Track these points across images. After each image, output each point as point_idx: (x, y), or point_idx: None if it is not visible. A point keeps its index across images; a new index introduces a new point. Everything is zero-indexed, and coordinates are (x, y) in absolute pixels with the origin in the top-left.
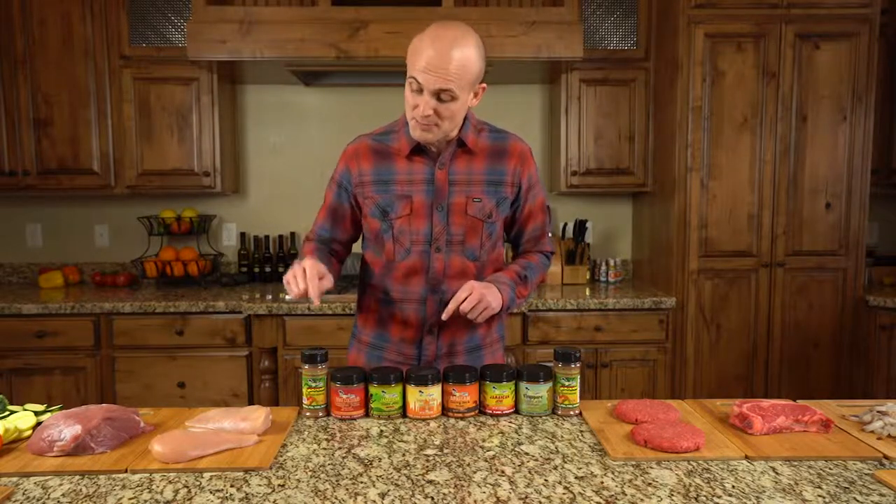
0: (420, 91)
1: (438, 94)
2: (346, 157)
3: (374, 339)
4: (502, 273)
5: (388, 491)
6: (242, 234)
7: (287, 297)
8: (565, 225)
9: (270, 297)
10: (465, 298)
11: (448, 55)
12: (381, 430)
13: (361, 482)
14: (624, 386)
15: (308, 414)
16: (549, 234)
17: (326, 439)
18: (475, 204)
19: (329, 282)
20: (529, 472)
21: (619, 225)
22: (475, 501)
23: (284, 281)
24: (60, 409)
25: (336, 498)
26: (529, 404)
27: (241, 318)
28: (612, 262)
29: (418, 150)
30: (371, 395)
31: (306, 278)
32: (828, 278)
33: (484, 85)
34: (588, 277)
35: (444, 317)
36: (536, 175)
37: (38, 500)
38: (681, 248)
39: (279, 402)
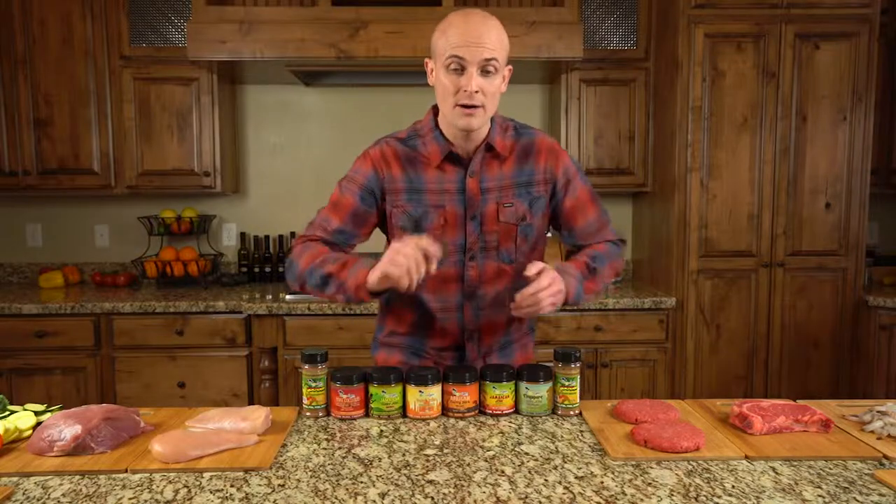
0: (460, 70)
1: (483, 68)
2: (374, 161)
3: (409, 344)
4: (570, 263)
5: (388, 491)
6: (242, 234)
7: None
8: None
9: (270, 297)
10: (547, 286)
11: (484, 26)
12: (381, 430)
13: (361, 482)
14: (624, 386)
15: (308, 414)
16: (611, 225)
17: (326, 439)
18: (507, 209)
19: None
20: (529, 472)
21: (619, 225)
22: (475, 501)
23: (396, 267)
24: (60, 409)
25: (336, 498)
26: (529, 404)
27: (241, 318)
28: None
29: (448, 157)
30: (371, 395)
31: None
32: (828, 278)
33: (510, 67)
34: None
35: (515, 308)
36: (574, 167)
37: (38, 500)
38: (681, 248)
39: (279, 402)
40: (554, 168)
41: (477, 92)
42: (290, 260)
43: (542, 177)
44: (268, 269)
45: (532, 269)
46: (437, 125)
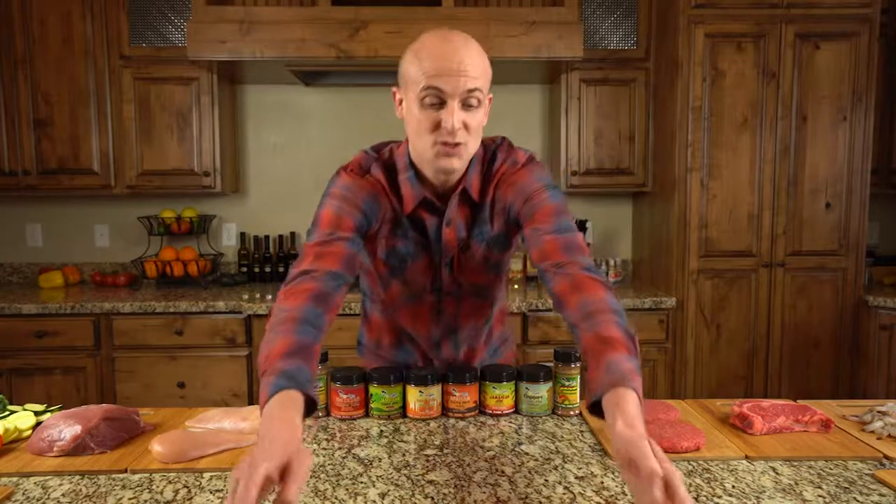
0: (439, 104)
1: (465, 100)
2: (372, 185)
3: (393, 356)
4: (617, 355)
5: (388, 491)
6: (242, 234)
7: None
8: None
9: (270, 297)
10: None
11: (466, 50)
12: (381, 430)
13: (361, 482)
14: None
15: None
16: (586, 251)
17: (326, 439)
18: (468, 253)
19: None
20: (529, 472)
21: (619, 225)
22: (475, 501)
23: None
24: (60, 409)
25: (336, 498)
26: (529, 404)
27: (241, 318)
28: (612, 262)
29: (422, 203)
30: (371, 395)
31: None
32: (828, 278)
33: (491, 95)
34: None
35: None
36: (538, 184)
37: (37, 500)
38: (681, 248)
39: None
40: (505, 195)
41: (459, 129)
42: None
43: (497, 207)
44: (268, 269)
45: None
46: (411, 162)
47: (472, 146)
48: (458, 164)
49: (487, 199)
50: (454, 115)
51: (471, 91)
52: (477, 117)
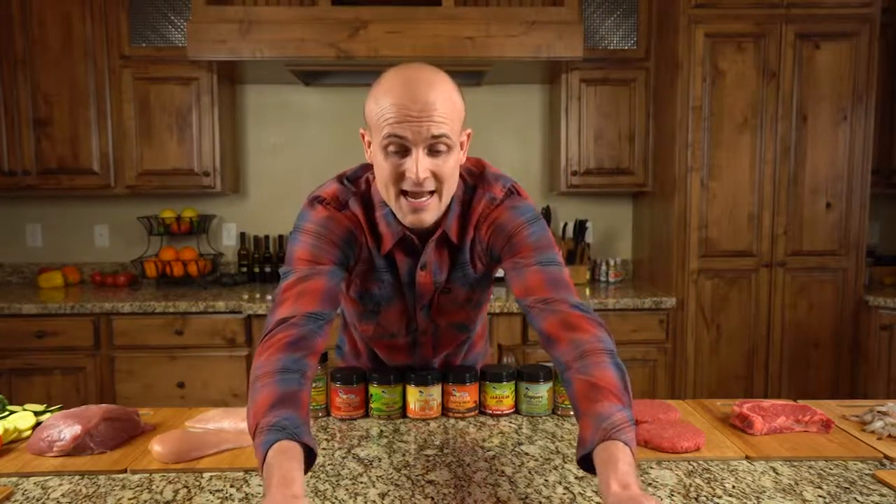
0: (404, 152)
1: (432, 147)
2: (350, 220)
3: (371, 364)
4: (608, 405)
5: (388, 491)
6: (242, 234)
7: None
8: (565, 225)
9: (270, 297)
10: None
11: (430, 89)
12: (381, 430)
13: (361, 482)
14: None
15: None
16: (572, 288)
17: (326, 439)
18: (447, 296)
19: None
20: (529, 472)
21: (619, 225)
22: (475, 501)
23: None
24: (60, 409)
25: (336, 498)
26: (529, 404)
27: (241, 318)
28: (612, 262)
29: (400, 241)
30: (371, 395)
31: None
32: (828, 278)
33: (469, 131)
34: (588, 277)
35: None
36: (520, 220)
37: (37, 500)
38: (681, 248)
39: None
40: (485, 236)
41: (426, 179)
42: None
43: (478, 248)
44: (268, 269)
45: None
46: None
47: (446, 193)
48: (429, 219)
49: (467, 241)
50: (418, 165)
51: (437, 137)
52: (448, 163)
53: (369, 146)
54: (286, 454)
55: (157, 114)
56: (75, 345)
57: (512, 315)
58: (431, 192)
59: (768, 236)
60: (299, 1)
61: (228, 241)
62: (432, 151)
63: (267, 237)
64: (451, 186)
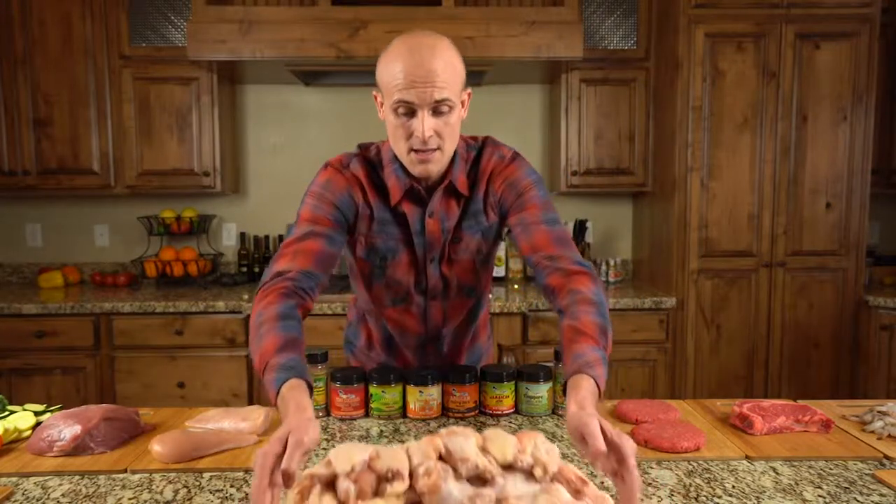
0: (411, 113)
1: (436, 109)
2: (347, 180)
3: (382, 357)
4: (585, 346)
5: None
6: (242, 234)
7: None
8: (565, 225)
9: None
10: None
11: (432, 58)
12: (381, 430)
13: None
14: (624, 386)
15: None
16: (573, 246)
17: (326, 439)
18: (457, 245)
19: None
20: None
21: (619, 225)
22: None
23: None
24: (60, 409)
25: None
26: (529, 404)
27: (241, 318)
28: (612, 262)
29: (408, 194)
30: (371, 395)
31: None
32: (828, 278)
33: (469, 90)
34: None
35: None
36: (528, 180)
37: (37, 500)
38: (681, 248)
39: None
40: (496, 188)
41: (431, 136)
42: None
43: (491, 200)
44: None
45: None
46: (396, 156)
47: (448, 147)
48: (434, 169)
49: (479, 193)
50: (424, 124)
51: (440, 101)
52: (450, 121)
53: (381, 106)
54: (297, 389)
55: (157, 114)
56: (75, 345)
57: (512, 315)
58: (433, 150)
59: (768, 236)
60: (299, 1)
61: (228, 241)
62: (436, 112)
63: (267, 237)
64: (454, 141)
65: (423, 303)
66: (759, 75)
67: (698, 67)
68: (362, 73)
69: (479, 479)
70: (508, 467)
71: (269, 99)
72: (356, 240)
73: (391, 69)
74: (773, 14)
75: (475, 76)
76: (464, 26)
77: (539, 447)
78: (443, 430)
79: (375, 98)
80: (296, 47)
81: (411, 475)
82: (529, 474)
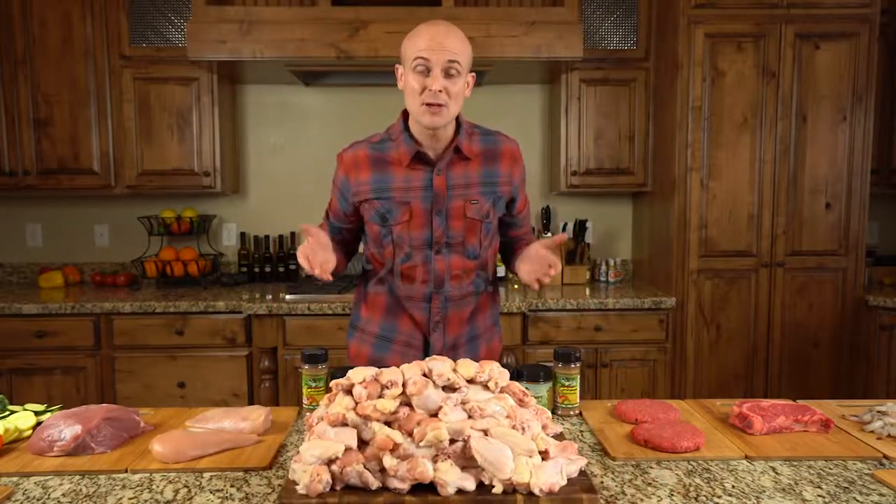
0: (426, 72)
1: (447, 70)
2: (345, 166)
3: (382, 330)
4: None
5: None
6: (242, 234)
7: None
8: (565, 225)
9: (270, 297)
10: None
11: (447, 33)
12: None
13: None
14: (624, 386)
15: (308, 414)
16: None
17: None
18: (473, 206)
19: (333, 260)
20: None
21: (619, 225)
22: None
23: (300, 257)
24: (60, 409)
25: None
26: None
27: (241, 318)
28: (612, 262)
29: (416, 157)
30: None
31: (313, 259)
32: (828, 278)
33: (473, 74)
34: (588, 277)
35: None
36: (524, 176)
37: (38, 500)
38: (681, 248)
39: (279, 402)
40: (514, 172)
41: (441, 91)
42: None
43: (507, 179)
44: (268, 269)
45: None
46: (406, 128)
47: (453, 108)
48: (440, 122)
49: (500, 167)
50: (437, 81)
51: (451, 62)
52: (458, 85)
53: (401, 76)
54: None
55: (157, 114)
56: (75, 345)
57: (512, 315)
58: (441, 105)
59: (768, 236)
60: (299, 1)
61: (228, 241)
62: (447, 74)
63: (267, 237)
64: (457, 105)
65: (427, 255)
66: (758, 75)
67: (698, 67)
68: (362, 74)
69: (451, 388)
70: (471, 381)
71: (269, 99)
72: (363, 207)
73: (414, 40)
74: (773, 14)
75: (475, 76)
76: (464, 26)
77: (494, 369)
78: (427, 358)
79: (396, 70)
80: (296, 47)
81: (404, 385)
82: (486, 387)
